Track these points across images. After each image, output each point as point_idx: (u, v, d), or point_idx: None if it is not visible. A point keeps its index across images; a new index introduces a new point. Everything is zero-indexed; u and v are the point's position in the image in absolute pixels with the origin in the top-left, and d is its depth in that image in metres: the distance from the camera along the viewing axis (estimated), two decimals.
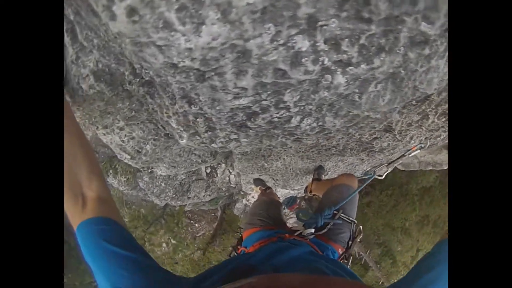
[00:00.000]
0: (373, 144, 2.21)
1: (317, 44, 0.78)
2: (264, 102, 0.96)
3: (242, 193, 5.66)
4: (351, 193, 1.74)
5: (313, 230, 1.41)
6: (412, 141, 2.13)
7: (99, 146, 3.66)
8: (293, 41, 0.76)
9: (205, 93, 0.91)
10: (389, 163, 2.81)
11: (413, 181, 7.57)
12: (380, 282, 8.05)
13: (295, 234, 1.40)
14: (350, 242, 1.56)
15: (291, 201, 3.75)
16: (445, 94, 1.51)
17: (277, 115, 1.04)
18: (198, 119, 1.08)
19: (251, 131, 1.13)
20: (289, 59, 0.80)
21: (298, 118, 1.07)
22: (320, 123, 1.12)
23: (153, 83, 1.08)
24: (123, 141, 1.74)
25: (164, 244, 6.90)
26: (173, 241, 6.90)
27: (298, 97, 0.95)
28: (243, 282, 0.58)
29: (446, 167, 5.35)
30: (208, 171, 4.67)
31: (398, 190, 7.71)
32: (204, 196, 5.04)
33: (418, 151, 2.20)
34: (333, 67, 0.85)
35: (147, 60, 0.81)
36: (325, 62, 0.83)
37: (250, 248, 1.47)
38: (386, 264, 8.23)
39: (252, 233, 1.62)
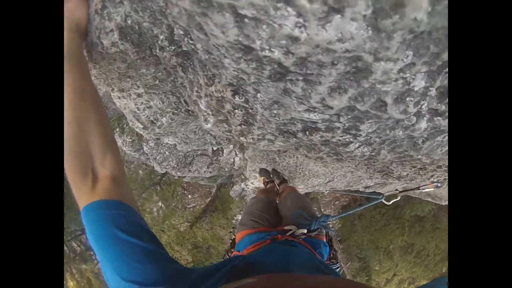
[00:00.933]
0: (393, 170, 2.14)
1: (430, 88, 0.68)
2: (335, 124, 0.82)
3: (243, 177, 5.55)
4: (298, 195, 2.05)
5: (305, 231, 1.42)
6: (432, 179, 2.11)
7: (110, 103, 3.49)
8: (414, 77, 0.64)
9: (269, 93, 0.72)
10: (401, 192, 2.83)
11: (409, 206, 7.50)
12: None
13: (288, 234, 1.39)
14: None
15: None
16: None
17: (340, 138, 0.90)
18: (236, 111, 0.89)
19: (294, 139, 0.96)
20: (396, 95, 0.69)
21: (357, 144, 0.96)
22: (373, 153, 1.04)
23: (190, 55, 0.89)
24: (138, 109, 1.56)
25: (155, 211, 6.84)
26: (165, 210, 6.83)
27: (374, 129, 0.84)
28: (243, 282, 0.56)
29: (444, 203, 5.38)
30: (214, 148, 4.52)
31: (392, 212, 7.68)
32: (205, 172, 4.94)
33: (432, 189, 2.23)
34: (423, 112, 0.79)
35: (204, 29, 0.59)
36: (423, 107, 0.75)
37: (243, 252, 1.41)
38: (361, 280, 8.31)
39: (245, 235, 1.57)
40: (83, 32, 0.97)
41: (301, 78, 0.64)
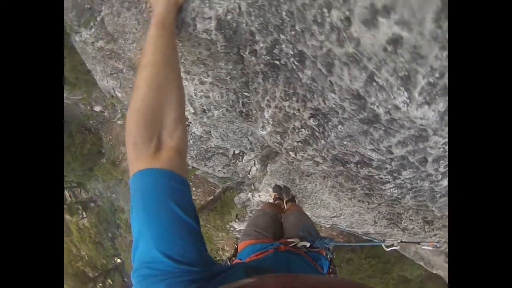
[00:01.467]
0: (402, 220, 2.26)
1: None
2: (386, 165, 1.06)
3: (253, 187, 5.55)
4: (305, 215, 2.05)
5: (308, 244, 1.43)
6: (434, 238, 2.29)
7: None
8: (447, 147, 0.89)
9: (351, 129, 0.92)
10: (400, 242, 2.91)
11: (399, 265, 7.26)
12: None
13: (290, 245, 1.39)
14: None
15: None
16: None
17: (382, 176, 1.12)
18: (302, 129, 0.96)
19: (342, 167, 1.04)
20: (435, 157, 0.95)
21: (392, 185, 1.18)
22: (400, 196, 1.25)
23: (279, 69, 0.96)
24: (195, 94, 1.63)
25: None
26: None
27: (411, 176, 1.08)
28: (243, 282, 0.56)
29: (435, 272, 5.33)
30: (236, 151, 4.57)
31: (382, 265, 7.43)
32: (219, 171, 4.96)
33: (431, 248, 2.32)
34: (448, 173, 1.01)
35: (332, 68, 0.80)
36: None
37: (246, 260, 1.43)
38: None
39: (249, 245, 1.58)
40: (179, 7, 0.99)
41: (383, 128, 0.90)
